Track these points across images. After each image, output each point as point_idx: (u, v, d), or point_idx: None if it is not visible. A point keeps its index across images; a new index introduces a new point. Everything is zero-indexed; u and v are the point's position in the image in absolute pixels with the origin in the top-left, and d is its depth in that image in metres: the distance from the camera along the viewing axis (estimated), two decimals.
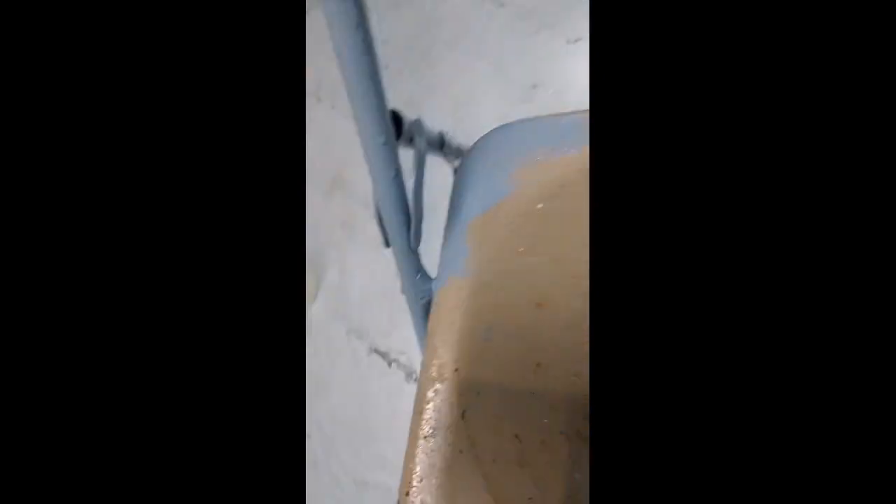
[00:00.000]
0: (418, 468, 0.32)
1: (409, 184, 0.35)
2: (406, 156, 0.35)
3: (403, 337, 0.88)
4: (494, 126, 0.42)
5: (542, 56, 0.99)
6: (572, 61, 0.97)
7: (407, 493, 0.32)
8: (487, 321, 0.35)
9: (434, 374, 0.34)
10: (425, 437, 0.33)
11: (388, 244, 0.37)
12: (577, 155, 0.38)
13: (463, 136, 0.50)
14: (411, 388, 0.81)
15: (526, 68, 0.99)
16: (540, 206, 0.37)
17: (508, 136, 0.41)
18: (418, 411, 0.34)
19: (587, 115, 0.40)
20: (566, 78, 0.96)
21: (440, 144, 0.40)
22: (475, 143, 0.42)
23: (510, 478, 0.31)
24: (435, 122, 0.39)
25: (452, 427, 0.32)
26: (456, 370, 0.34)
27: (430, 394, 0.34)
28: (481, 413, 0.32)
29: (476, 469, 0.31)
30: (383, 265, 0.90)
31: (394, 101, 0.32)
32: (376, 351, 0.90)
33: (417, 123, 0.36)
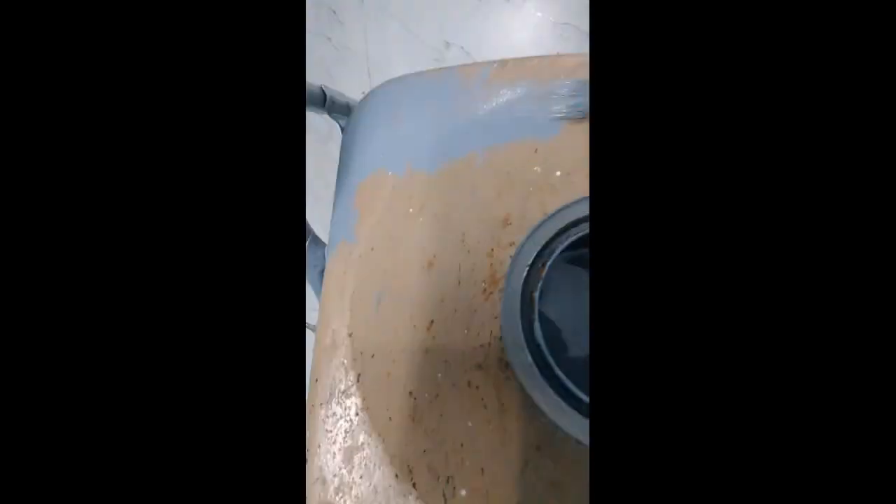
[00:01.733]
0: (317, 434, 0.32)
1: None
2: None
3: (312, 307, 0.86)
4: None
5: (452, 14, 0.96)
6: (482, 18, 0.96)
7: (308, 460, 0.32)
8: (379, 285, 0.34)
9: (328, 341, 0.34)
10: (322, 404, 0.33)
11: None
12: None
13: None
14: None
15: (437, 27, 0.96)
16: (423, 169, 0.36)
17: (396, 92, 0.40)
18: (314, 378, 0.34)
19: (478, 67, 0.39)
20: (478, 35, 0.95)
21: (321, 101, 0.38)
22: (362, 101, 0.40)
23: (405, 434, 0.31)
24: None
25: (348, 391, 0.32)
26: (349, 335, 0.34)
27: (325, 360, 0.33)
28: (376, 375, 0.33)
29: (372, 429, 0.32)
30: None
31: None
32: None
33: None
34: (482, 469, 0.30)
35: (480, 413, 0.31)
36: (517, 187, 0.36)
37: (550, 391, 0.19)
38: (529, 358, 0.19)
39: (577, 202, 0.21)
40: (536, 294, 0.20)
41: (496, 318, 0.33)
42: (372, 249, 0.35)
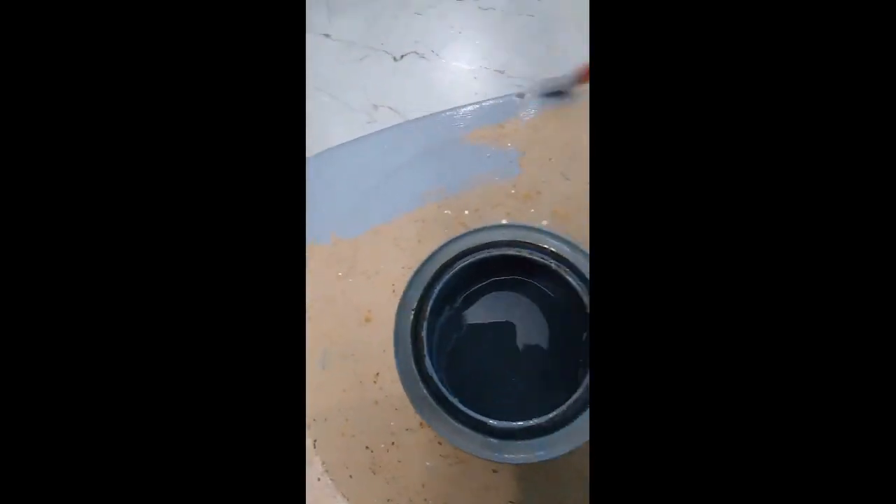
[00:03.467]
0: None
1: None
2: None
3: None
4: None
5: (374, 78, 1.03)
6: (402, 75, 1.02)
7: None
8: (322, 347, 0.36)
9: None
10: None
11: None
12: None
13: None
14: None
15: (361, 92, 1.02)
16: (347, 236, 0.39)
17: (313, 168, 0.43)
18: None
19: (402, 126, 0.43)
20: (402, 91, 1.01)
21: None
22: None
23: (368, 488, 0.32)
24: None
25: (308, 459, 0.33)
26: None
27: None
28: (331, 437, 0.34)
29: (335, 490, 0.32)
30: None
31: None
32: None
33: None
34: (445, 503, 0.31)
35: (436, 449, 0.33)
36: (436, 231, 0.39)
37: (448, 417, 0.21)
38: (423, 390, 0.21)
39: (450, 241, 0.23)
40: (423, 333, 0.22)
41: None
42: (310, 318, 0.37)
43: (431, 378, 0.21)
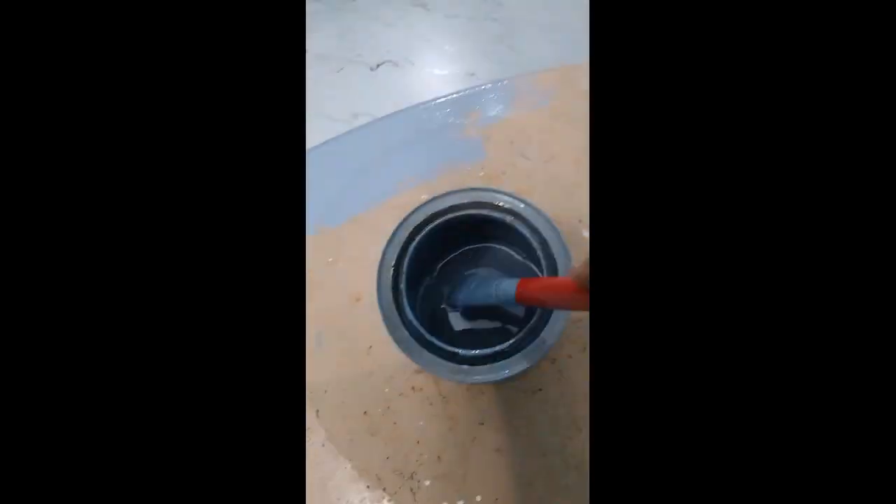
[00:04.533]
0: None
1: None
2: None
3: None
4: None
5: (351, 87, 1.07)
6: (378, 84, 1.06)
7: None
8: (317, 327, 0.39)
9: None
10: None
11: None
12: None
13: None
14: None
15: (341, 102, 1.06)
16: (332, 225, 0.43)
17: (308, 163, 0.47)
18: None
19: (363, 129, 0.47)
20: (379, 99, 1.06)
21: None
22: None
23: (367, 449, 0.35)
24: None
25: (312, 427, 0.36)
26: None
27: None
28: (332, 407, 0.37)
29: (338, 454, 0.35)
30: None
31: None
32: None
33: None
34: (438, 457, 0.35)
35: (427, 409, 0.36)
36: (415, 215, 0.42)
37: (426, 352, 0.24)
38: (405, 332, 0.25)
39: (422, 205, 0.27)
40: (402, 285, 0.25)
41: None
42: (307, 298, 0.40)
43: (411, 322, 0.24)
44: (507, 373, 0.22)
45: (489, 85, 0.47)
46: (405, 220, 0.26)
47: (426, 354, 0.24)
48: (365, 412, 0.36)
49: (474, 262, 0.35)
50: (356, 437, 0.36)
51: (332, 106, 1.05)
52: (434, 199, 0.26)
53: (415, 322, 0.24)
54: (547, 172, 0.44)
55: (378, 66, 1.08)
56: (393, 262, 0.25)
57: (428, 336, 0.24)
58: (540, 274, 0.31)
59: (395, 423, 0.36)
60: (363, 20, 1.13)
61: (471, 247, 0.32)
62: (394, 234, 0.26)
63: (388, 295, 0.24)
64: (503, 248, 0.33)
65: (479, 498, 0.33)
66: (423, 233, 0.26)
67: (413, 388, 0.37)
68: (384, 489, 0.34)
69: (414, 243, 0.26)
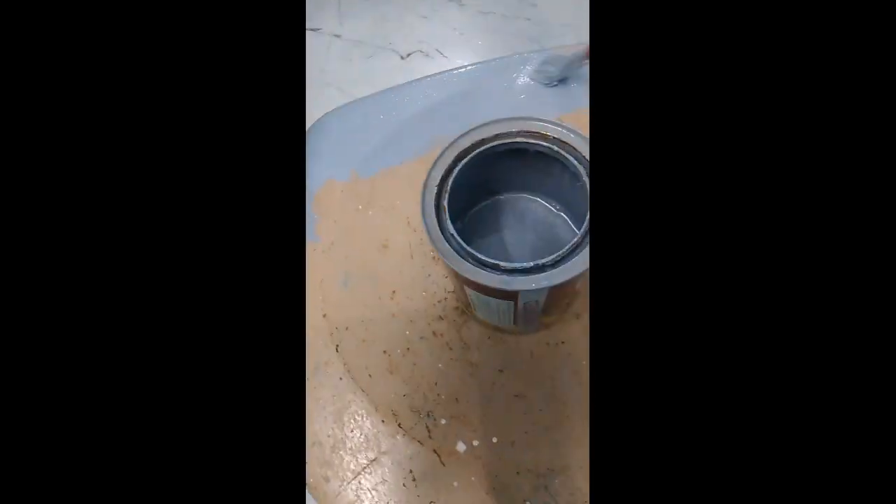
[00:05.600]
0: (308, 403, 0.36)
1: None
2: None
3: None
4: None
5: (381, 75, 1.09)
6: (408, 74, 1.08)
7: (305, 427, 0.35)
8: (344, 271, 0.40)
9: (307, 325, 0.38)
10: (308, 379, 0.37)
11: None
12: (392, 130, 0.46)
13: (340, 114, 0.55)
14: None
15: (367, 85, 1.08)
16: (365, 175, 0.44)
17: (340, 116, 0.48)
18: None
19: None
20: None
21: None
22: (313, 124, 0.48)
23: (385, 385, 0.36)
24: None
25: (329, 362, 0.37)
26: (324, 317, 0.38)
27: (307, 341, 0.38)
28: (352, 343, 0.37)
29: (357, 388, 0.36)
30: None
31: None
32: None
33: None
34: (456, 399, 0.35)
35: (447, 354, 0.36)
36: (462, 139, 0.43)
37: (468, 264, 0.25)
38: (447, 245, 0.25)
39: (467, 133, 0.27)
40: (445, 202, 0.26)
41: (446, 277, 0.39)
42: (332, 244, 0.41)
43: (453, 236, 0.25)
44: (546, 282, 0.23)
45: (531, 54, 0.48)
46: (453, 143, 0.27)
47: (468, 265, 0.24)
48: (384, 351, 0.37)
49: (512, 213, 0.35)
50: (375, 374, 0.36)
51: (361, 90, 1.07)
52: (482, 125, 0.27)
53: (456, 236, 0.25)
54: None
55: (408, 55, 1.10)
56: (437, 184, 0.26)
57: (468, 248, 0.24)
58: (577, 231, 0.31)
59: (414, 364, 0.36)
60: (398, 10, 1.15)
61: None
62: (440, 155, 0.27)
63: (431, 210, 0.25)
64: (539, 199, 0.33)
65: (495, 439, 0.33)
66: (470, 157, 0.27)
67: (434, 332, 0.37)
68: (399, 424, 0.34)
69: (459, 166, 0.26)
